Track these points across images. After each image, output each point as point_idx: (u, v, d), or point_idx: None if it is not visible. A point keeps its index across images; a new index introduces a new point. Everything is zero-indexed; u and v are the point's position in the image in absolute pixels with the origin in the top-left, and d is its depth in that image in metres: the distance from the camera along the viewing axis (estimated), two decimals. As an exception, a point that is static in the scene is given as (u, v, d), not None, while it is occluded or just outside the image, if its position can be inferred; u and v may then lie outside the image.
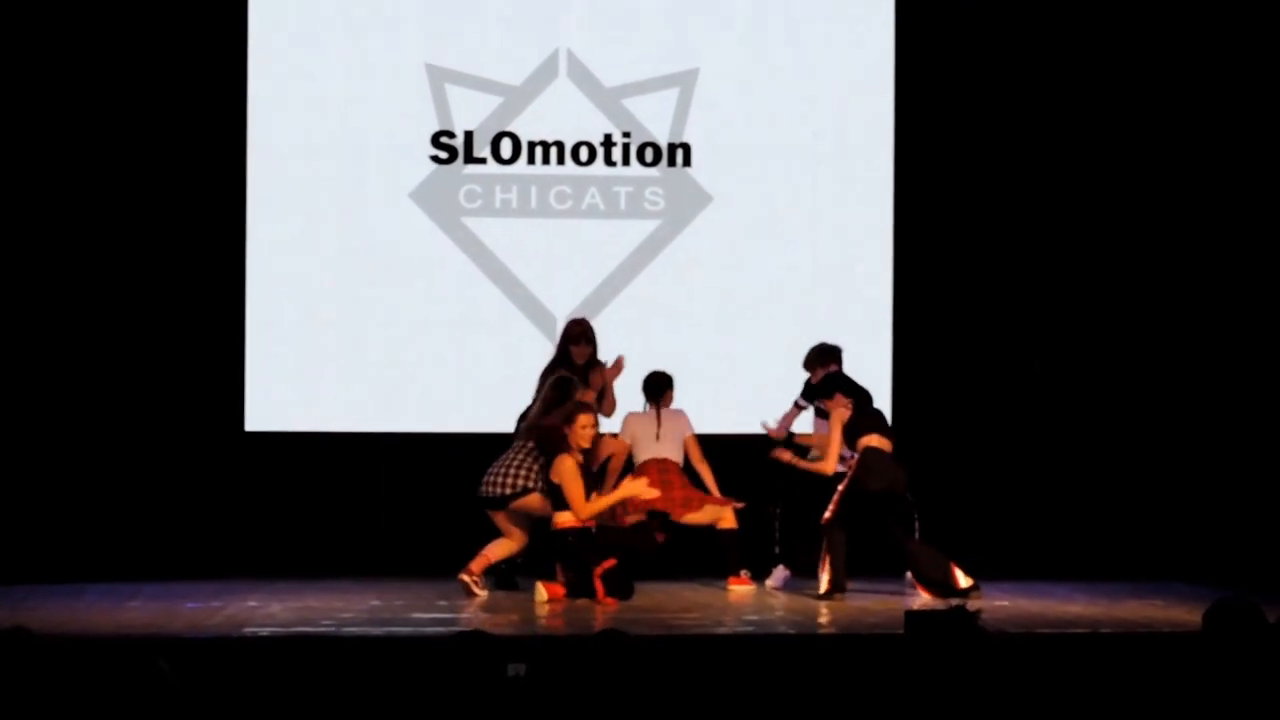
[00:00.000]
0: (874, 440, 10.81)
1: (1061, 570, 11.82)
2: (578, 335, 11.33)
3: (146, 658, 5.10)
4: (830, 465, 10.90)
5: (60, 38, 11.92)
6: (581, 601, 10.33)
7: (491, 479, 10.74)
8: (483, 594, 10.65)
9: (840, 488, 10.76)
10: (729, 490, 11.42)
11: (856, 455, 10.80)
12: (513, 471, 10.70)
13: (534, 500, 10.67)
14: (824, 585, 10.62)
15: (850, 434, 10.86)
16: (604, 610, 10.05)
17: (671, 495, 11.17)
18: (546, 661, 7.88)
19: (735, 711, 7.49)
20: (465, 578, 10.64)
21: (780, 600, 10.76)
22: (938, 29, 12.55)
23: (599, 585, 10.38)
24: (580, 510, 10.49)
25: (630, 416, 11.40)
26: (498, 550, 10.79)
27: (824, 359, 11.32)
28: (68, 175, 11.96)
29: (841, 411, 10.91)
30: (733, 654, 8.62)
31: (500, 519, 10.79)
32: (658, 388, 11.44)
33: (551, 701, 5.15)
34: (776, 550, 11.33)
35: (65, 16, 11.93)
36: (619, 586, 10.42)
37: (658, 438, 11.34)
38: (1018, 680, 5.31)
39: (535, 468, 10.70)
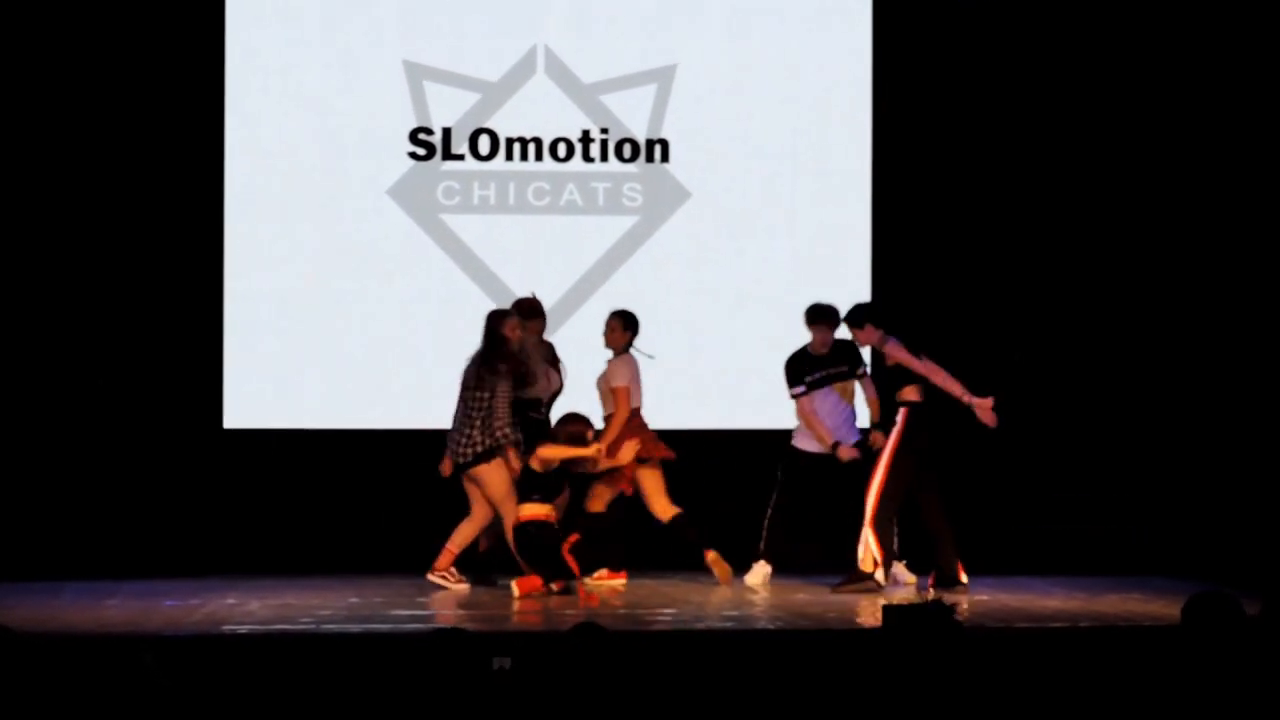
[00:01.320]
0: (916, 393, 10.73)
1: (1041, 564, 11.84)
2: (529, 310, 11.24)
3: (131, 653, 5.10)
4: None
5: (37, 35, 11.89)
6: (562, 599, 10.32)
7: (450, 444, 10.83)
8: (460, 587, 10.69)
9: (885, 461, 10.68)
10: (712, 487, 11.44)
11: (902, 409, 10.69)
12: (465, 437, 10.75)
13: (487, 473, 10.68)
14: (882, 577, 10.67)
15: (892, 382, 10.76)
16: (585, 606, 10.05)
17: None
18: (525, 656, 7.89)
19: (715, 707, 7.49)
20: (434, 577, 10.71)
21: (761, 595, 10.75)
22: (915, 26, 12.55)
23: (570, 560, 10.38)
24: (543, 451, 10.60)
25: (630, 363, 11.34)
26: (460, 539, 10.83)
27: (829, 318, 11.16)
28: (45, 171, 11.94)
29: (893, 348, 10.72)
30: (713, 649, 8.62)
31: (466, 485, 10.83)
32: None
33: (529, 696, 5.15)
34: (761, 546, 11.26)
35: (42, 14, 11.90)
36: (587, 557, 10.41)
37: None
38: (996, 674, 5.31)
39: (482, 429, 10.69)
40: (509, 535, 10.63)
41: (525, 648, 8.00)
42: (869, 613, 9.59)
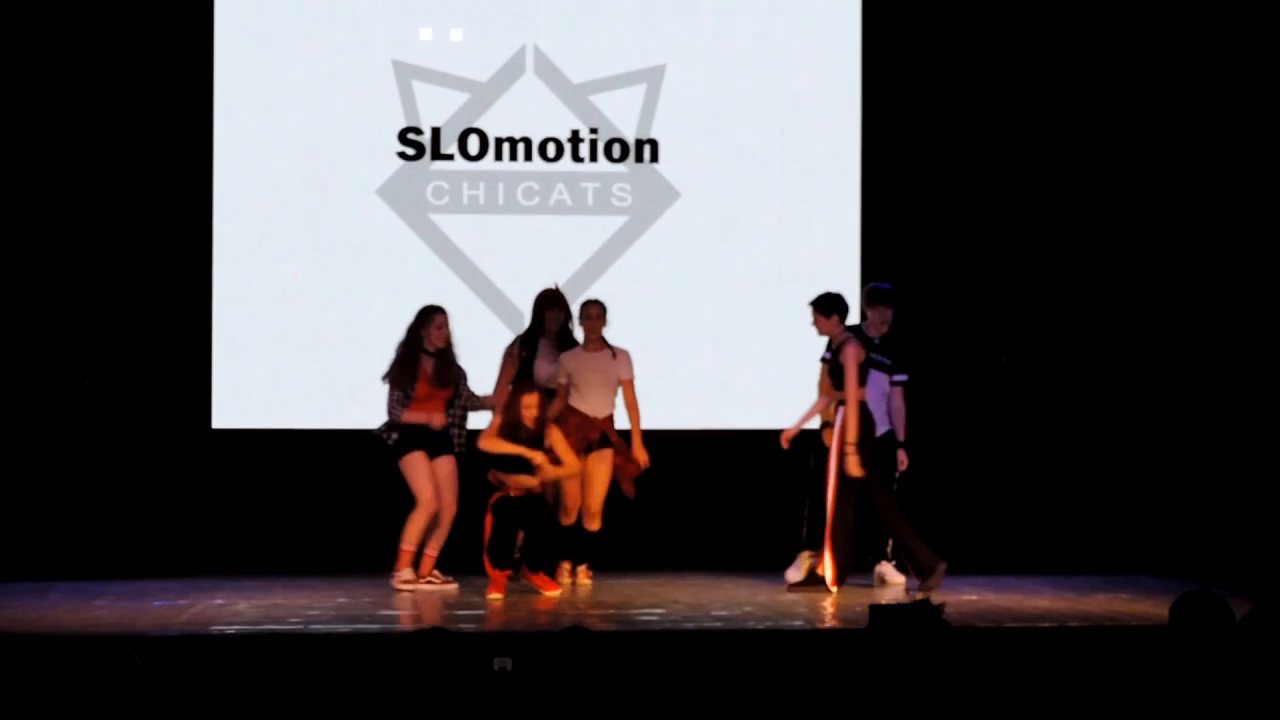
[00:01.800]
0: (863, 392, 10.61)
1: (1029, 564, 11.84)
2: (552, 300, 11.28)
3: (119, 651, 5.09)
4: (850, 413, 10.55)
5: (25, 34, 11.87)
6: (543, 600, 10.33)
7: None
8: (450, 587, 10.72)
9: (833, 466, 10.49)
10: (704, 487, 11.43)
11: (841, 409, 10.53)
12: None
13: (401, 468, 10.83)
14: (830, 578, 10.52)
15: (836, 381, 10.59)
16: (553, 597, 10.12)
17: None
18: (515, 657, 7.88)
19: (703, 706, 7.49)
20: (421, 584, 10.72)
21: (749, 595, 10.73)
22: (904, 25, 12.56)
23: (488, 524, 10.41)
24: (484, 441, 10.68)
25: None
26: (435, 542, 10.84)
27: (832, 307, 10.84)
28: (32, 170, 11.91)
29: (852, 350, 10.52)
30: (701, 649, 8.62)
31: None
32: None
33: (517, 696, 5.15)
34: (802, 536, 11.00)
35: (30, 13, 11.88)
36: (501, 515, 10.46)
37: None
38: (984, 674, 5.32)
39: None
40: (420, 517, 10.77)
41: (515, 648, 8.00)
42: (857, 613, 9.58)
